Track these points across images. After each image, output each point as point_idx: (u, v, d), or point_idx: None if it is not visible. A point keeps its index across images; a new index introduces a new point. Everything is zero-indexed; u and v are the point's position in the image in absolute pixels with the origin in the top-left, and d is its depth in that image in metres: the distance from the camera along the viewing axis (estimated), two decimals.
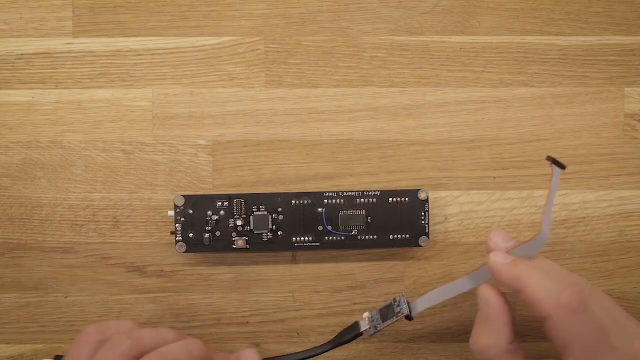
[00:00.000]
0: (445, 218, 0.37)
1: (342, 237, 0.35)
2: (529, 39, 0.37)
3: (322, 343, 0.34)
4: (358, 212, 0.35)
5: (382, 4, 0.37)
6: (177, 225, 0.35)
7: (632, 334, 0.27)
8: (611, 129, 0.37)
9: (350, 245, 0.36)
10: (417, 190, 0.35)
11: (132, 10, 0.37)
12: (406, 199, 0.35)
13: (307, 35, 0.37)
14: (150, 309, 0.37)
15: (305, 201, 0.35)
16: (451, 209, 0.37)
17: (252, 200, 0.35)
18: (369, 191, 0.35)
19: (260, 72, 0.37)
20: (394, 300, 0.33)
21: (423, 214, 0.35)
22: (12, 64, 0.37)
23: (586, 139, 0.37)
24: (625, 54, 0.37)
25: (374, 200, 0.35)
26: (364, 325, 0.33)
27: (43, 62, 0.37)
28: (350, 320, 0.37)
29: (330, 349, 0.34)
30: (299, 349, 0.36)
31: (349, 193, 0.35)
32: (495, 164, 0.37)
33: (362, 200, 0.35)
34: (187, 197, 0.35)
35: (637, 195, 0.37)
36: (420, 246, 0.35)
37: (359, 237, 0.35)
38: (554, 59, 0.37)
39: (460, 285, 0.31)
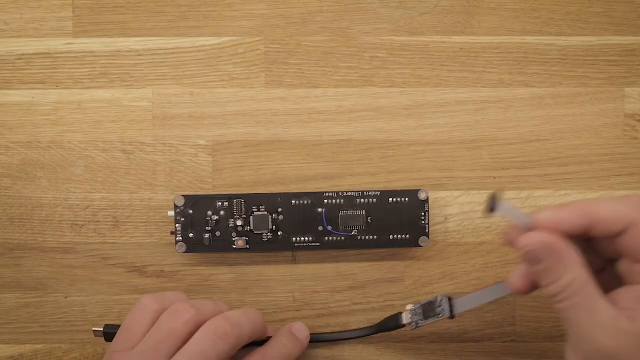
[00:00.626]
0: (445, 218, 0.37)
1: (342, 237, 0.35)
2: (529, 39, 0.37)
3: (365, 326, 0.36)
4: (358, 212, 0.35)
5: (382, 4, 0.37)
6: (177, 225, 0.35)
7: None
8: (611, 129, 0.37)
9: (350, 245, 0.36)
10: (417, 190, 0.35)
11: (132, 10, 0.37)
12: (406, 199, 0.35)
13: (307, 35, 0.37)
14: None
15: (305, 201, 0.35)
16: (451, 209, 0.37)
17: (252, 200, 0.35)
18: (369, 191, 0.35)
19: (260, 72, 0.37)
20: (436, 298, 0.33)
21: (423, 214, 0.35)
22: (12, 64, 0.37)
23: (586, 139, 0.37)
24: (625, 54, 0.37)
25: (374, 200, 0.35)
26: (406, 319, 0.34)
27: (43, 62, 0.37)
28: (351, 320, 0.37)
29: (373, 333, 0.35)
30: None
31: (349, 193, 0.35)
32: (495, 164, 0.37)
33: (362, 200, 0.35)
34: (187, 197, 0.35)
35: (637, 195, 0.37)
36: (420, 246, 0.35)
37: (359, 237, 0.35)
38: (554, 59, 0.37)
39: (499, 289, 0.31)
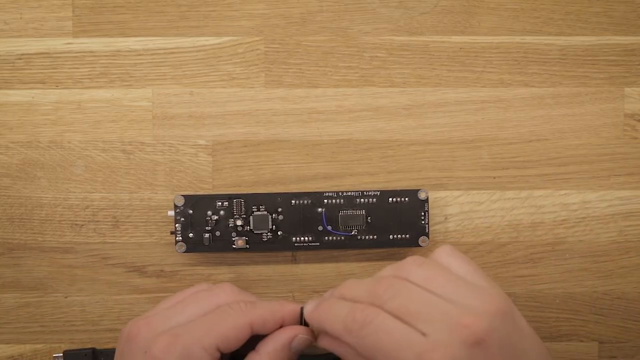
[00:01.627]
0: (445, 218, 0.37)
1: (342, 237, 0.35)
2: (529, 39, 0.37)
3: None
4: (358, 212, 0.35)
5: (382, 4, 0.37)
6: (177, 225, 0.35)
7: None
8: (611, 129, 0.37)
9: (350, 245, 0.36)
10: (417, 190, 0.35)
11: (132, 10, 0.37)
12: (406, 199, 0.35)
13: (307, 35, 0.37)
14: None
15: (305, 201, 0.35)
16: (451, 209, 0.37)
17: (252, 200, 0.35)
18: (368, 191, 0.35)
19: (260, 72, 0.37)
20: None
21: (423, 214, 0.35)
22: (12, 64, 0.37)
23: (586, 139, 0.37)
24: (625, 54, 0.37)
25: (374, 200, 0.35)
26: None
27: (43, 62, 0.37)
28: None
29: None
30: None
31: (349, 193, 0.35)
32: (495, 164, 0.37)
33: (362, 200, 0.35)
34: (187, 197, 0.35)
35: (637, 195, 0.37)
36: (420, 246, 0.35)
37: (359, 237, 0.35)
38: (554, 59, 0.37)
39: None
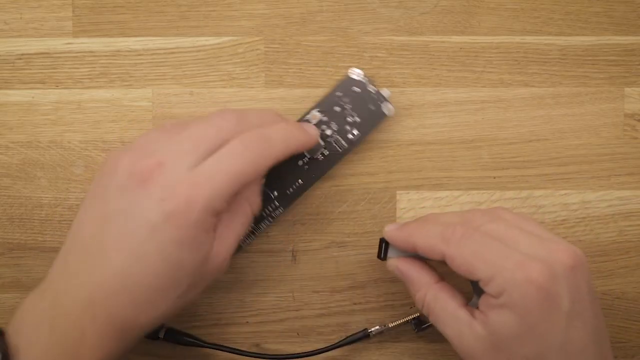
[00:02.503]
0: None
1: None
2: (529, 39, 0.37)
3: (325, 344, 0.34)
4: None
5: (382, 4, 0.37)
6: None
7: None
8: (611, 129, 0.37)
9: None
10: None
11: (132, 10, 0.37)
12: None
13: (307, 35, 0.37)
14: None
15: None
16: (451, 209, 0.37)
17: None
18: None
19: (260, 72, 0.37)
20: None
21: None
22: (12, 64, 0.37)
23: (586, 139, 0.37)
24: (625, 54, 0.37)
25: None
26: None
27: (43, 62, 0.37)
28: (351, 320, 0.37)
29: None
30: (299, 349, 0.37)
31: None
32: (495, 164, 0.37)
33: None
34: None
35: (637, 195, 0.37)
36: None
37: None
38: (554, 59, 0.37)
39: None
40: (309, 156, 0.35)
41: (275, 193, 0.35)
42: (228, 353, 0.35)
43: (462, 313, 0.30)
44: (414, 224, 0.32)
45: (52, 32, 0.37)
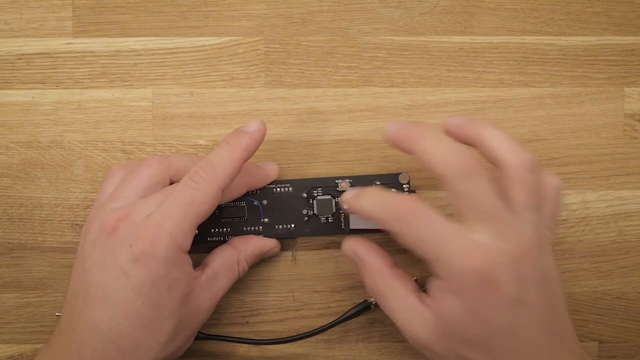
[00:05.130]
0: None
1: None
2: (529, 39, 0.37)
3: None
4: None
5: (382, 4, 0.37)
6: None
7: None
8: (611, 129, 0.37)
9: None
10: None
11: (132, 10, 0.37)
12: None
13: (307, 35, 0.37)
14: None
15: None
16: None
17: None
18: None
19: (260, 72, 0.37)
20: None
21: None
22: (12, 64, 0.37)
23: (586, 139, 0.37)
24: (625, 54, 0.37)
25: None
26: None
27: (43, 62, 0.37)
28: (351, 320, 0.37)
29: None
30: (299, 349, 0.37)
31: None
32: None
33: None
34: None
35: (637, 195, 0.37)
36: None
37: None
38: (554, 59, 0.37)
39: None
40: (315, 212, 0.36)
41: (266, 220, 0.36)
42: (228, 345, 0.35)
43: (412, 299, 0.30)
44: (367, 194, 0.31)
45: (52, 32, 0.37)
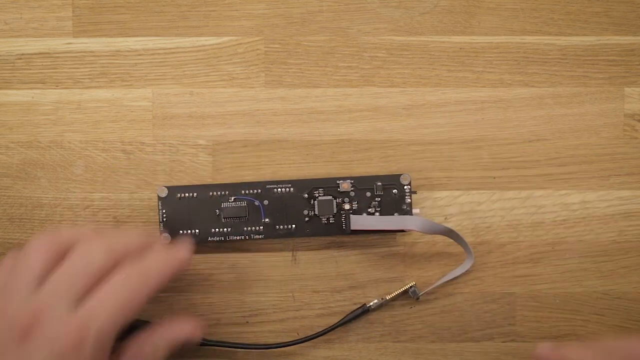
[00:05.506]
0: (445, 218, 0.37)
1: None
2: (529, 39, 0.37)
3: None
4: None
5: (382, 4, 0.37)
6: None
7: None
8: (611, 129, 0.37)
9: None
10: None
11: (132, 10, 0.37)
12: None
13: (307, 35, 0.37)
14: (150, 309, 0.37)
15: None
16: (451, 209, 0.37)
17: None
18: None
19: (260, 72, 0.37)
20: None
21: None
22: (12, 64, 0.37)
23: (586, 139, 0.37)
24: (625, 54, 0.37)
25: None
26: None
27: (43, 62, 0.37)
28: (350, 320, 0.37)
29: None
30: (298, 349, 0.37)
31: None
32: (495, 164, 0.37)
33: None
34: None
35: (637, 195, 0.37)
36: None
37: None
38: (554, 59, 0.37)
39: (392, 221, 0.35)
40: (316, 213, 0.36)
41: (267, 220, 0.36)
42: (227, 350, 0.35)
43: None
44: (570, 349, 0.31)
45: (52, 32, 0.37)
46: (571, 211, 0.37)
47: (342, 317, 0.37)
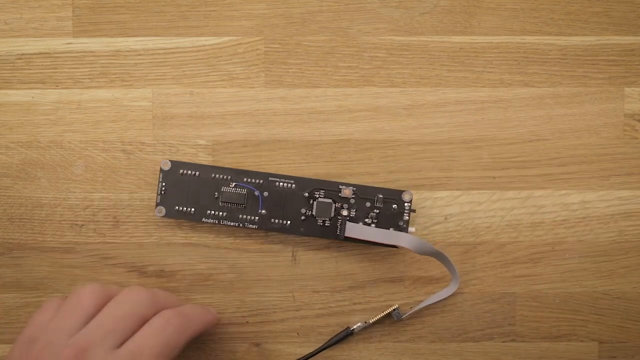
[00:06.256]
0: (445, 218, 0.37)
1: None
2: (529, 39, 0.37)
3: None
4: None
5: (382, 4, 0.37)
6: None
7: None
8: (611, 129, 0.37)
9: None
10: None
11: (132, 10, 0.37)
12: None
13: (307, 35, 0.37)
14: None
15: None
16: (451, 209, 0.37)
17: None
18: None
19: (260, 72, 0.37)
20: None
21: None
22: (12, 64, 0.37)
23: (586, 139, 0.37)
24: (625, 54, 0.37)
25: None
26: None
27: (43, 62, 0.37)
28: (351, 320, 0.37)
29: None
30: (298, 350, 0.37)
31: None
32: (495, 164, 0.37)
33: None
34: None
35: (637, 195, 0.37)
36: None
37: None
38: (554, 59, 0.37)
39: (387, 235, 0.34)
40: (313, 213, 0.35)
41: (264, 212, 0.36)
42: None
43: None
44: None
45: (52, 32, 0.37)
46: (571, 211, 0.37)
47: (342, 317, 0.37)
